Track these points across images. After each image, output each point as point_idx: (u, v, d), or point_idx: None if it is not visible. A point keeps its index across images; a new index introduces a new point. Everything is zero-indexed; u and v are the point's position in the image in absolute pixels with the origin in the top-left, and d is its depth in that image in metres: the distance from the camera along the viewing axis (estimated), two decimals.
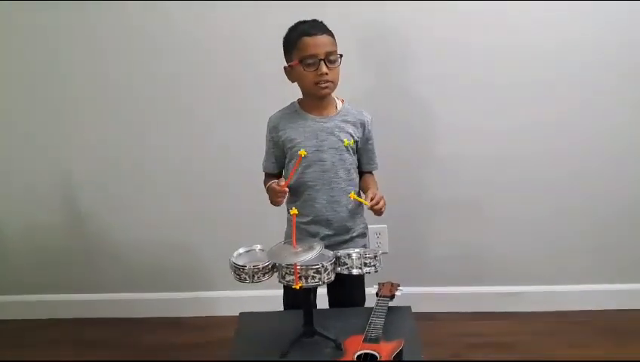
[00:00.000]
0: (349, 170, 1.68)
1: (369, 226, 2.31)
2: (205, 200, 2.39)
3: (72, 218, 2.48)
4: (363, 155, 1.74)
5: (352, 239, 1.72)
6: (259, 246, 1.50)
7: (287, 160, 1.71)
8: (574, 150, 2.27)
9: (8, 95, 2.37)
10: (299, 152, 1.53)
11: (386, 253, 2.34)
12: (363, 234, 1.77)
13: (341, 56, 1.63)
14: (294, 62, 1.62)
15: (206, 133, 2.33)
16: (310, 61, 1.59)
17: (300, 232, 1.69)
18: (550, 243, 2.37)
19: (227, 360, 1.46)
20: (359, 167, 1.75)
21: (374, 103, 2.21)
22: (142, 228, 2.46)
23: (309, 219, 1.68)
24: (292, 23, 1.66)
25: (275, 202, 1.65)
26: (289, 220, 1.76)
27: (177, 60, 2.27)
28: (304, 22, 1.65)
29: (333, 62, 1.60)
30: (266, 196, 1.73)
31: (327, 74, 1.59)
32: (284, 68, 1.67)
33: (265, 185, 1.70)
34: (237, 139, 2.27)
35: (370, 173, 1.79)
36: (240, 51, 2.22)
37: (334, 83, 1.63)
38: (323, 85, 1.60)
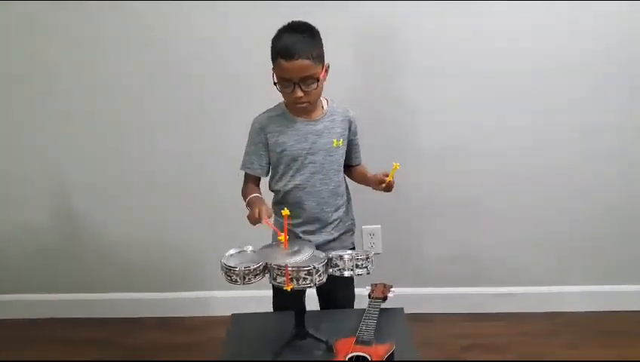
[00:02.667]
0: (337, 171, 1.69)
1: (363, 227, 2.34)
2: (198, 200, 2.39)
3: (64, 217, 2.47)
4: (351, 150, 1.74)
5: (339, 237, 1.72)
6: (250, 248, 1.48)
7: (274, 163, 1.69)
8: (569, 151, 2.27)
9: (2, 95, 2.35)
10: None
11: (380, 253, 2.33)
12: (351, 231, 1.78)
13: (318, 80, 1.56)
14: (274, 77, 1.58)
15: (199, 134, 2.32)
16: (285, 83, 1.55)
17: (290, 234, 1.69)
18: (544, 245, 2.37)
19: (218, 361, 1.44)
20: (348, 161, 1.75)
21: (365, 103, 2.22)
22: (134, 228, 2.45)
23: (299, 221, 1.67)
24: (281, 24, 1.60)
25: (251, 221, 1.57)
26: (276, 221, 1.75)
27: (173, 60, 2.26)
28: (289, 30, 1.57)
29: (309, 84, 1.55)
30: None
31: (301, 96, 1.55)
32: (273, 69, 1.63)
33: (243, 190, 1.68)
34: (231, 139, 2.24)
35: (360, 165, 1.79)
36: (238, 50, 2.21)
37: (312, 102, 1.60)
38: (299, 105, 1.58)
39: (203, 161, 2.34)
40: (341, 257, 1.40)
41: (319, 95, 1.62)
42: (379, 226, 2.37)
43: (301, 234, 1.69)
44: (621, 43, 2.16)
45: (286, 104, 1.68)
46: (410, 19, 2.17)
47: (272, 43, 1.59)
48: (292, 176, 1.66)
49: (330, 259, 1.40)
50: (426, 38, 2.19)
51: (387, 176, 1.58)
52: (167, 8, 2.20)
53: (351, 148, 1.74)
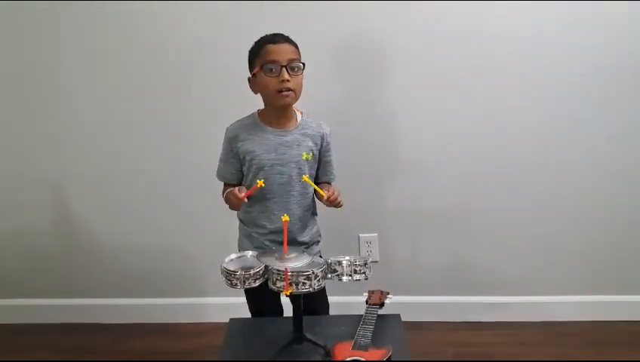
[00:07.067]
0: (305, 183, 1.67)
1: (360, 235, 2.36)
2: (196, 205, 2.40)
3: (60, 222, 2.47)
4: (321, 167, 1.76)
5: (307, 247, 1.74)
6: (250, 253, 1.51)
7: (245, 171, 1.71)
8: (563, 160, 2.29)
9: (2, 99, 2.36)
10: (257, 181, 1.52)
11: (376, 261, 2.35)
12: (317, 242, 1.80)
13: (304, 65, 1.63)
14: (257, 69, 1.63)
15: (198, 139, 2.33)
16: (272, 66, 1.59)
17: (257, 243, 1.71)
18: (539, 254, 2.39)
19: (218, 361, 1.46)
20: (317, 178, 1.76)
21: (359, 113, 2.26)
22: (131, 234, 2.46)
23: (266, 230, 1.70)
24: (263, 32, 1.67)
25: (233, 208, 1.68)
26: (241, 228, 1.79)
27: (171, 62, 2.27)
28: (269, 34, 1.66)
29: (295, 69, 1.60)
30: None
31: (288, 80, 1.59)
32: (248, 79, 1.68)
33: (223, 194, 1.71)
34: None
35: (328, 183, 1.79)
36: (235, 57, 2.21)
37: (296, 93, 1.63)
38: (284, 93, 1.60)
39: (202, 168, 2.34)
40: (339, 263, 1.43)
41: (301, 89, 1.64)
42: (375, 235, 2.39)
43: (267, 243, 1.71)
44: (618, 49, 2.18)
45: (260, 113, 1.71)
46: (396, 32, 2.19)
47: (253, 46, 1.66)
48: None
49: (328, 265, 1.42)
50: (412, 49, 2.21)
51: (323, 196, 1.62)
52: (174, 11, 2.22)
53: (320, 164, 1.75)
